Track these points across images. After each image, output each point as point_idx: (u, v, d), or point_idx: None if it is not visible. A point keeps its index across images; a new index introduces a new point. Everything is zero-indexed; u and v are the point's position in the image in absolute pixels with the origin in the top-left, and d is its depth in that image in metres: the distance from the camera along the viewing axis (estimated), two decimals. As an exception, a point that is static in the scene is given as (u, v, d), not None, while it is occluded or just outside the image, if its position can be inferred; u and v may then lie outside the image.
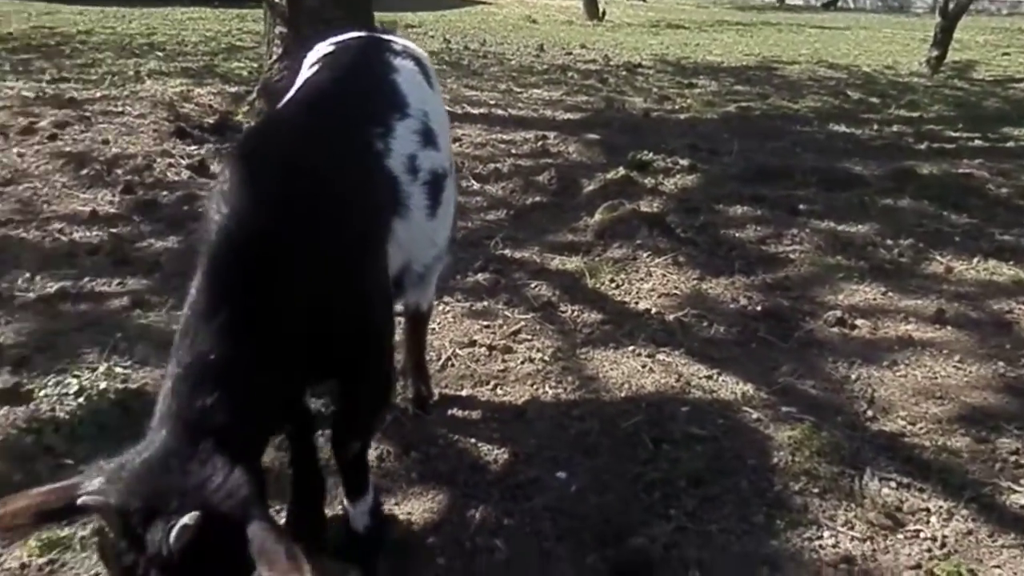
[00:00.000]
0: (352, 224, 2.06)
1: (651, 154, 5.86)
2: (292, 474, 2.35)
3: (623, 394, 3.11)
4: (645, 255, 4.28)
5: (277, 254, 1.85)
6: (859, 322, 3.68)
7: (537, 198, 5.24)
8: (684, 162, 5.81)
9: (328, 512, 2.41)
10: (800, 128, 7.46)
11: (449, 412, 2.97)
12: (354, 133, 2.24)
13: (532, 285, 3.98)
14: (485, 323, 3.60)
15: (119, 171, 5.20)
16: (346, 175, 2.13)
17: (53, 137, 5.67)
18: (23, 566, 2.21)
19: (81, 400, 2.85)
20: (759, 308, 3.80)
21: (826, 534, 2.45)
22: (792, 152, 6.52)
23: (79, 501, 1.61)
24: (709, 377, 3.23)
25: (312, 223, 1.92)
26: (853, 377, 3.27)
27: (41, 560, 2.23)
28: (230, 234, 1.84)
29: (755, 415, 2.99)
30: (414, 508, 2.50)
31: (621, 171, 5.46)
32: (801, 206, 5.10)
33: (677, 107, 8.34)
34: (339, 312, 1.99)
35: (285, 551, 1.56)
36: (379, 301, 2.17)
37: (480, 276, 4.03)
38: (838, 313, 3.71)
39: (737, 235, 4.65)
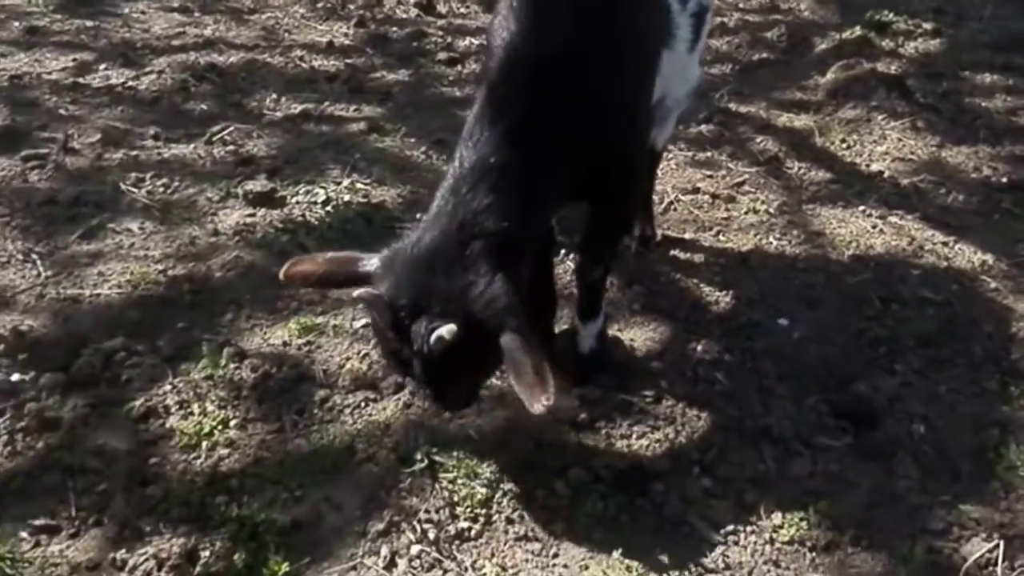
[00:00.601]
0: (631, 48, 2.07)
1: (891, 15, 5.40)
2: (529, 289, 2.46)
3: (850, 252, 3.02)
4: (880, 117, 4.04)
5: (560, 71, 1.89)
6: (1123, 206, 3.37)
7: (764, 54, 5.01)
8: (928, 25, 5.33)
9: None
10: (1066, -4, 6.66)
11: (671, 253, 2.99)
12: None
13: (757, 139, 3.86)
14: (708, 172, 3.54)
15: (352, 6, 5.37)
16: None
17: (290, -30, 5.90)
18: (285, 343, 2.47)
19: (328, 208, 3.08)
20: (1004, 180, 3.54)
21: (1066, 407, 2.34)
22: (1055, 21, 5.86)
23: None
24: (945, 243, 3.08)
25: (594, 45, 1.94)
26: (1111, 259, 3.03)
27: (300, 341, 2.47)
28: (516, 49, 1.90)
29: (993, 284, 2.85)
30: (636, 335, 2.57)
31: (858, 31, 5.08)
32: (1062, 78, 4.62)
33: (922, -32, 7.61)
34: (609, 133, 2.03)
35: (534, 366, 1.67)
36: (643, 129, 2.20)
37: (704, 127, 3.94)
38: (1098, 193, 3.41)
39: (984, 104, 4.29)
